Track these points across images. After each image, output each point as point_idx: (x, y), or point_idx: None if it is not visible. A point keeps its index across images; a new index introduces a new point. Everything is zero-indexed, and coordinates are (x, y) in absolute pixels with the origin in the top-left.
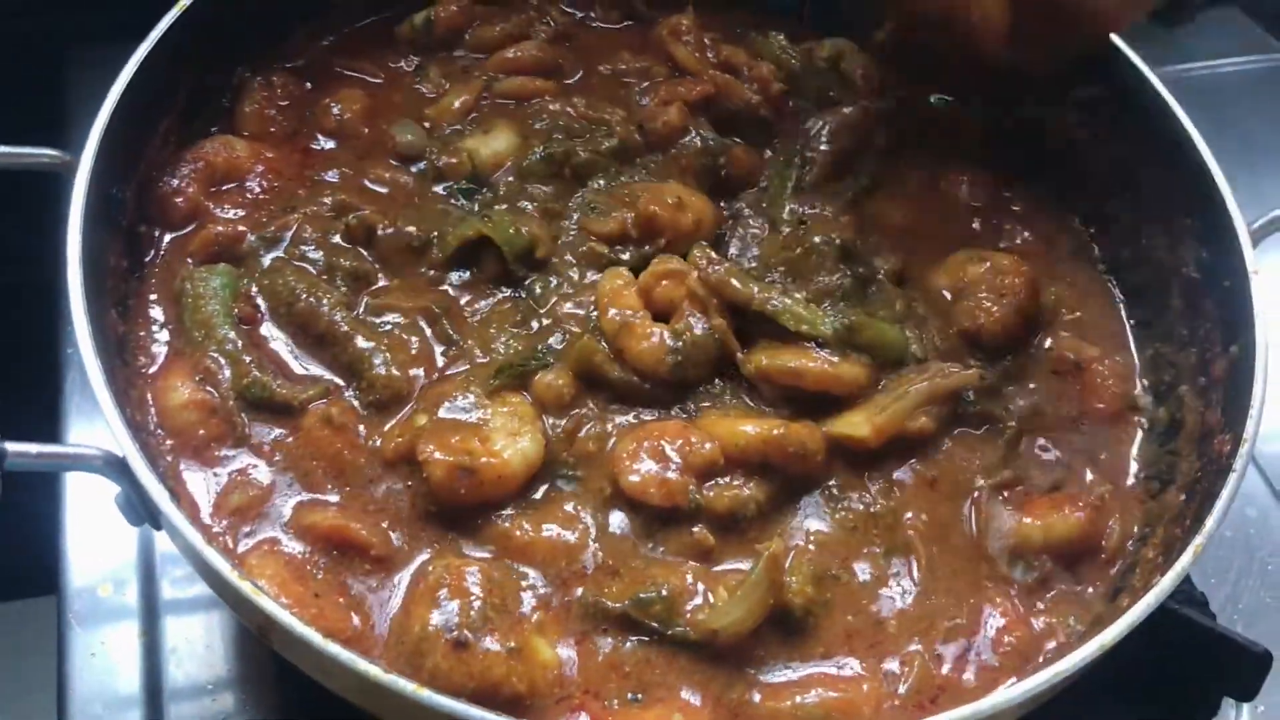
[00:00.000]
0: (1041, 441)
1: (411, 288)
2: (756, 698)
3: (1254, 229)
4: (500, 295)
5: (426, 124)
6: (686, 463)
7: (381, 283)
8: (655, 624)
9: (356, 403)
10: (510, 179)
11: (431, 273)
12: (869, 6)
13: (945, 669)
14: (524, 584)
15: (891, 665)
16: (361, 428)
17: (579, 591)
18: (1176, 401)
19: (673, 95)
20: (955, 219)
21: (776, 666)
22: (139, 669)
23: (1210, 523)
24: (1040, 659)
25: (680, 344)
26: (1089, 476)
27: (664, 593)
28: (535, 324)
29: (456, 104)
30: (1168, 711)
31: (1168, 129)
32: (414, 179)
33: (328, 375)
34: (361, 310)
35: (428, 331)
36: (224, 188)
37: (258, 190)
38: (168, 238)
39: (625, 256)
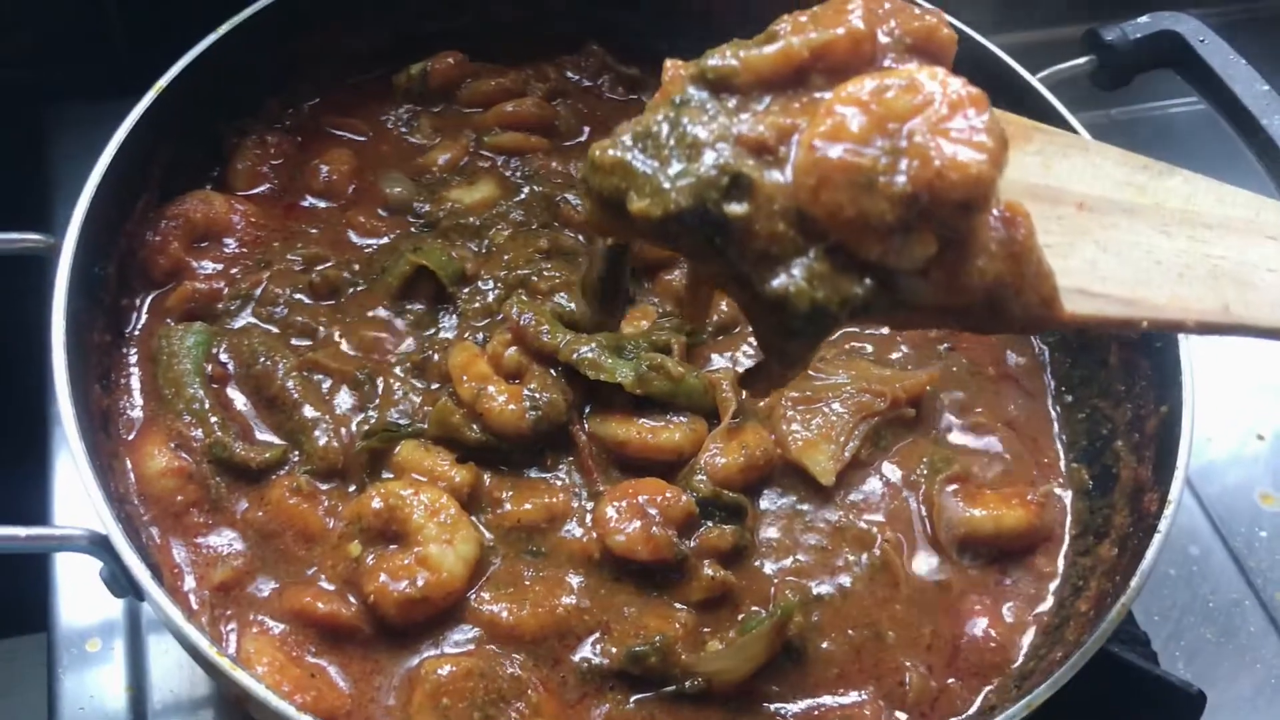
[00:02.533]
0: (983, 435)
1: (348, 344)
2: None
3: None
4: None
5: (418, 175)
6: (666, 517)
7: (323, 334)
8: (651, 677)
9: (301, 473)
10: (483, 219)
11: (384, 312)
12: None
13: (939, 677)
14: (517, 663)
15: (894, 680)
16: (324, 500)
17: (574, 658)
18: (1113, 455)
19: None
20: None
21: (790, 697)
22: None
23: (1135, 582)
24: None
25: (538, 398)
26: (1031, 468)
27: (657, 643)
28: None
29: (444, 158)
30: None
31: None
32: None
33: (277, 441)
34: (295, 370)
35: (349, 400)
36: (204, 244)
37: (236, 246)
38: (149, 299)
39: (538, 274)
